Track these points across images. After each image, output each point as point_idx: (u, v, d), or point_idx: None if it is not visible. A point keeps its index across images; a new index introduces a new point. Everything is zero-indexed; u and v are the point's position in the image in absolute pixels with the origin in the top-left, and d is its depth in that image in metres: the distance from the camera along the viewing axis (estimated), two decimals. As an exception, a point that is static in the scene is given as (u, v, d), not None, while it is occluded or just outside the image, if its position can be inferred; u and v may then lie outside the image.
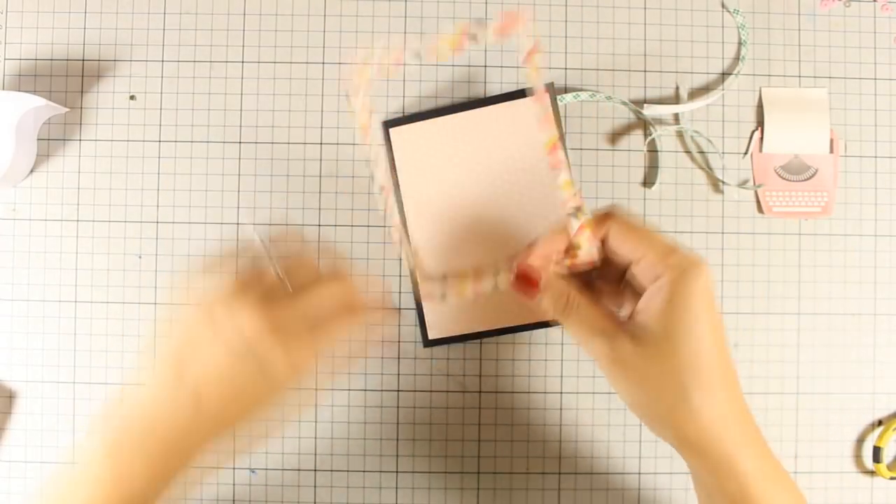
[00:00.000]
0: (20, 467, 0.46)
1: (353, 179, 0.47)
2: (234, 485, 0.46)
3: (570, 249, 0.36)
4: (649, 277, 0.35)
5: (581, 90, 0.47)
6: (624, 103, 0.47)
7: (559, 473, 0.47)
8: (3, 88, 0.47)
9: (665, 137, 0.47)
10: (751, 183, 0.47)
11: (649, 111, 0.46)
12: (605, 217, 0.36)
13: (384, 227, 0.46)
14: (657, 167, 0.47)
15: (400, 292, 0.47)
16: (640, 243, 0.35)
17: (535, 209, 0.46)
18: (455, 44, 0.37)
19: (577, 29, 0.47)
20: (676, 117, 0.47)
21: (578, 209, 0.36)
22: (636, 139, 0.47)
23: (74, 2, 0.47)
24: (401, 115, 0.47)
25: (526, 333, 0.47)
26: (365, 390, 0.47)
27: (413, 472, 0.46)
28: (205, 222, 0.47)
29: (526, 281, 0.35)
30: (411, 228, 0.45)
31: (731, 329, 0.47)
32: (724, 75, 0.48)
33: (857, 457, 0.47)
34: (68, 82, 0.47)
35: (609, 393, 0.47)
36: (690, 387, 0.33)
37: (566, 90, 0.47)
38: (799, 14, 0.48)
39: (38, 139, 0.47)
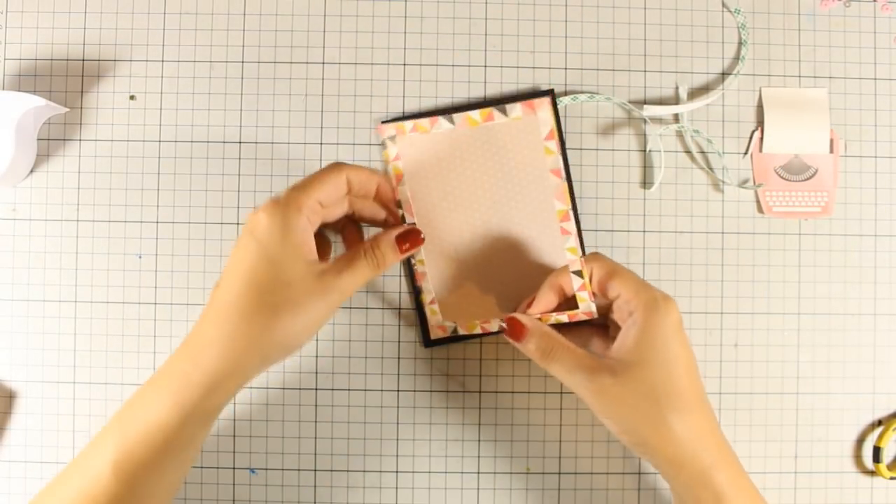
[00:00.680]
0: (20, 467, 0.46)
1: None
2: (234, 485, 0.46)
3: (570, 302, 0.42)
4: (624, 314, 0.39)
5: (580, 92, 0.47)
6: (622, 104, 0.47)
7: (559, 473, 0.47)
8: (3, 88, 0.47)
9: (665, 137, 0.47)
10: (751, 183, 0.48)
11: (649, 111, 0.46)
12: (586, 262, 0.41)
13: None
14: (657, 167, 0.47)
15: (400, 292, 0.47)
16: (616, 282, 0.39)
17: (540, 228, 0.46)
18: (484, 116, 0.44)
19: (577, 29, 0.47)
20: (676, 117, 0.47)
21: (580, 271, 0.41)
22: (636, 139, 0.47)
23: (74, 2, 0.47)
24: (401, 115, 0.47)
25: (526, 333, 0.47)
26: (365, 390, 0.47)
27: (413, 472, 0.46)
28: (205, 222, 0.47)
29: (515, 330, 0.40)
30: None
31: (731, 329, 0.47)
32: (724, 75, 0.48)
33: (857, 457, 0.47)
34: (68, 82, 0.47)
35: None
36: (666, 409, 0.36)
37: (566, 90, 0.47)
38: (799, 14, 0.48)
39: (38, 139, 0.47)
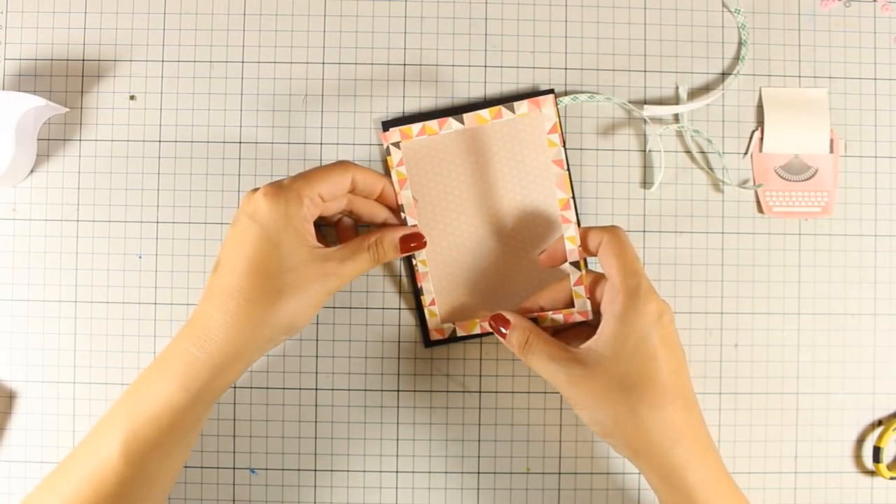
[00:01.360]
0: (20, 467, 0.46)
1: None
2: (234, 485, 0.46)
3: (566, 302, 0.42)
4: (608, 300, 0.39)
5: (580, 92, 0.47)
6: (622, 104, 0.47)
7: (559, 473, 0.47)
8: (3, 88, 0.47)
9: (665, 137, 0.47)
10: (751, 183, 0.48)
11: (649, 111, 0.46)
12: (604, 230, 0.40)
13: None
14: (657, 167, 0.47)
15: (400, 292, 0.47)
16: (616, 261, 0.38)
17: (544, 224, 0.46)
18: (493, 114, 0.44)
19: (577, 29, 0.47)
20: (676, 117, 0.47)
21: (578, 263, 0.41)
22: (636, 139, 0.47)
23: (74, 2, 0.47)
24: (401, 115, 0.47)
25: (526, 333, 0.47)
26: (365, 390, 0.47)
27: (413, 472, 0.46)
28: (205, 222, 0.47)
29: (499, 322, 0.41)
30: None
31: (731, 329, 0.47)
32: (724, 75, 0.48)
33: (857, 457, 0.47)
34: (68, 82, 0.47)
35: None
36: (636, 402, 0.36)
37: (566, 90, 0.47)
38: (799, 14, 0.48)
39: (38, 139, 0.47)
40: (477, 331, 0.45)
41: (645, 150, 0.47)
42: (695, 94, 0.48)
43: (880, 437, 0.46)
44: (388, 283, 0.47)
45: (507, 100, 0.45)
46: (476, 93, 0.47)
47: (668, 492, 0.37)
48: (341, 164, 0.40)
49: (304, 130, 0.47)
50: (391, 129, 0.44)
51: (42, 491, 0.37)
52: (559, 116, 0.45)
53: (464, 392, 0.47)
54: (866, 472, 0.47)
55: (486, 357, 0.47)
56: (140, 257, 0.47)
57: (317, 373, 0.47)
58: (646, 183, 0.47)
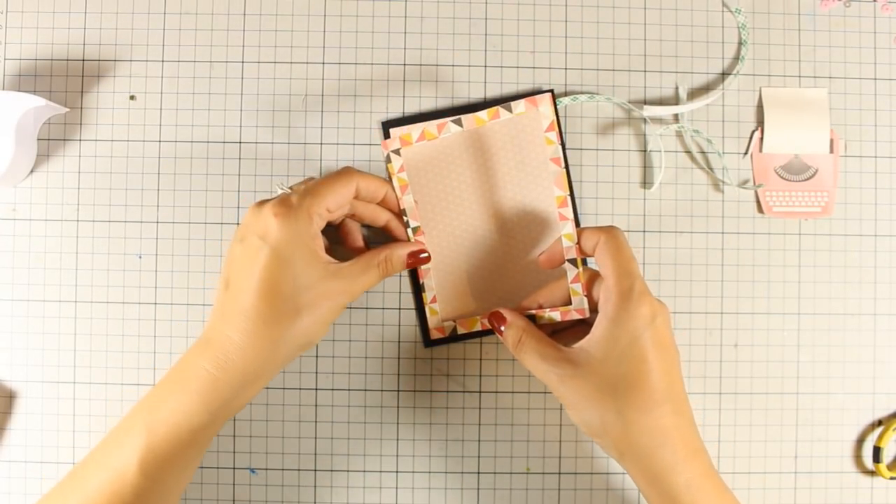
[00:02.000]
0: (20, 467, 0.46)
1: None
2: (234, 485, 0.46)
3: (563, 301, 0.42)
4: (603, 299, 0.39)
5: (580, 92, 0.47)
6: (622, 104, 0.47)
7: (559, 473, 0.47)
8: (3, 88, 0.47)
9: (665, 137, 0.47)
10: (751, 183, 0.48)
11: (649, 111, 0.46)
12: (601, 230, 0.40)
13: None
14: (657, 167, 0.47)
15: (400, 292, 0.47)
16: (611, 262, 0.38)
17: (542, 223, 0.46)
18: (492, 114, 0.43)
19: (577, 29, 0.47)
20: (676, 117, 0.47)
21: (575, 260, 0.42)
22: (636, 139, 0.47)
23: (74, 2, 0.47)
24: (401, 115, 0.47)
25: (526, 333, 0.47)
26: (365, 390, 0.47)
27: (413, 472, 0.46)
28: (205, 222, 0.47)
29: (496, 320, 0.42)
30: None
31: (731, 329, 0.47)
32: (724, 75, 0.48)
33: (857, 457, 0.47)
34: (68, 82, 0.47)
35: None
36: (623, 404, 0.36)
37: (566, 90, 0.47)
38: (799, 14, 0.48)
39: (38, 139, 0.47)
40: (477, 328, 0.45)
41: (645, 150, 0.47)
42: (695, 94, 0.48)
43: (880, 437, 0.46)
44: (388, 282, 0.47)
45: (505, 100, 0.45)
46: (476, 93, 0.47)
47: (654, 494, 0.37)
48: (346, 174, 0.40)
49: (304, 130, 0.47)
50: (391, 137, 0.44)
51: (54, 498, 0.37)
52: (557, 115, 0.45)
53: (464, 392, 0.47)
54: (866, 472, 0.47)
55: (486, 357, 0.47)
56: (140, 257, 0.47)
57: (317, 373, 0.47)
58: (646, 183, 0.47)
